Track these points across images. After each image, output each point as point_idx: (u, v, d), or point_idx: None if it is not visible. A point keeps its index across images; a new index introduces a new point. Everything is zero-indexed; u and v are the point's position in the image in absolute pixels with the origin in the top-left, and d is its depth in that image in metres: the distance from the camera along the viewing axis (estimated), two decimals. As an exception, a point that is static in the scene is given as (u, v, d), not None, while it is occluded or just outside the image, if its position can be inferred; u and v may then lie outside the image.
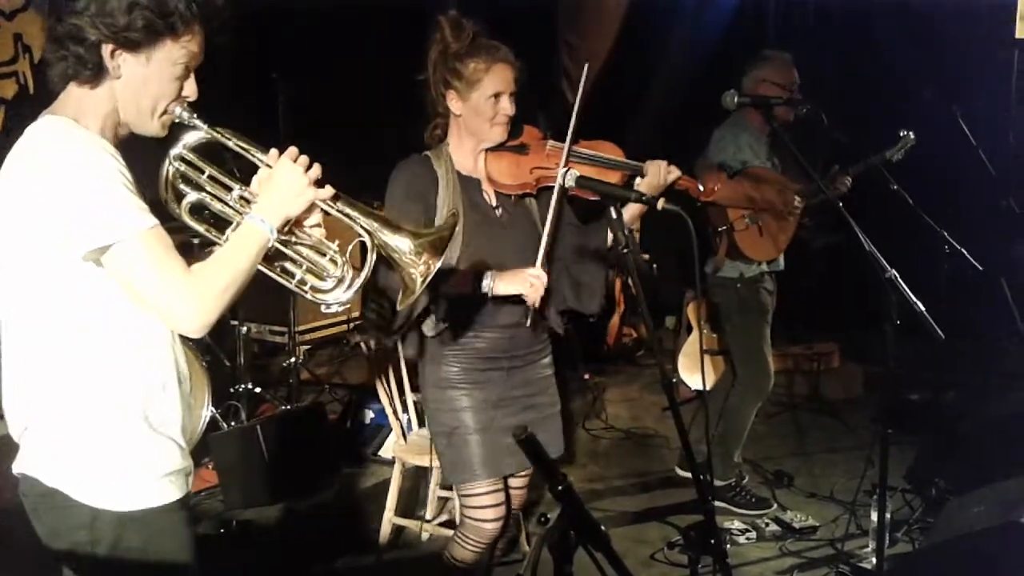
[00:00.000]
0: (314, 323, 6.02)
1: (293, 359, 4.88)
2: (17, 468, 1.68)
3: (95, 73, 1.60)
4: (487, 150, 2.55)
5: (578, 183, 2.34)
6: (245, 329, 4.66)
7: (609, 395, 5.68)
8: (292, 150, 1.71)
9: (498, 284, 2.41)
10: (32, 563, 1.78)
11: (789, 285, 4.08)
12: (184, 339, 1.76)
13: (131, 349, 1.65)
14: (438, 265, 1.74)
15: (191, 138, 1.70)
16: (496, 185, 2.56)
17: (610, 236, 2.60)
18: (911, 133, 3.73)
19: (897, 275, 2.60)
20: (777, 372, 5.89)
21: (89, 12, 1.56)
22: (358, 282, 1.74)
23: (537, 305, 2.43)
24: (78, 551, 1.65)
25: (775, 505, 3.98)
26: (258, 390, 4.60)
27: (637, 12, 6.21)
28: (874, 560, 3.07)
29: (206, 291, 1.58)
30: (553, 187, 2.48)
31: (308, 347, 5.95)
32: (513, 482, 2.71)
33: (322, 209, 1.75)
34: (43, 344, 1.62)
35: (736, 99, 2.92)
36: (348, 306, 1.80)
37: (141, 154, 1.72)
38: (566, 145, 2.52)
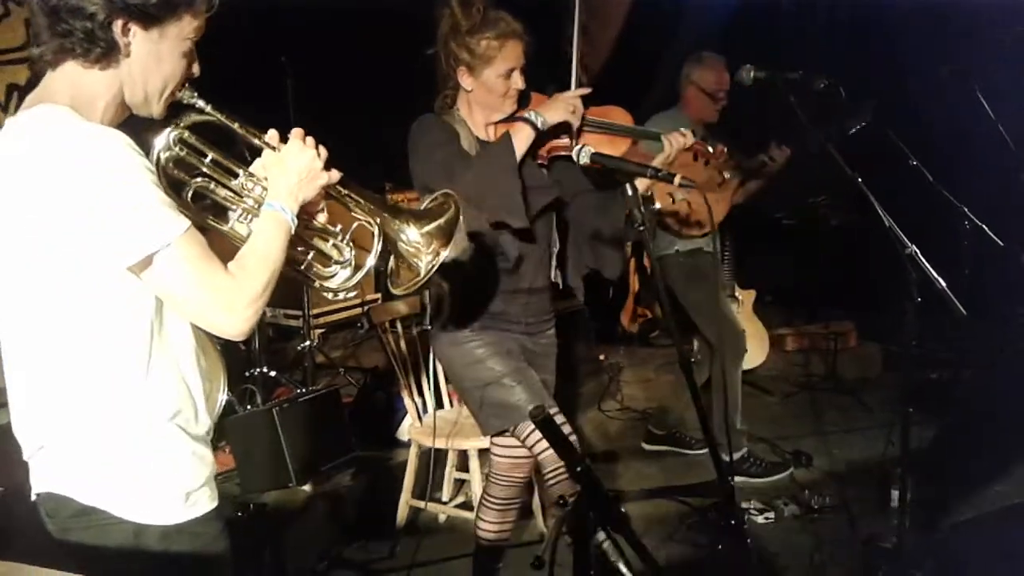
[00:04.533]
0: (329, 307, 6.03)
1: (308, 342, 4.88)
2: (39, 488, 1.57)
3: (106, 51, 1.45)
4: (498, 121, 2.55)
5: (592, 159, 2.33)
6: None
7: (624, 376, 5.66)
8: (299, 131, 1.63)
9: (547, 114, 2.44)
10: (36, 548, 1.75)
11: (805, 263, 4.06)
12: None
13: (153, 354, 1.53)
14: (446, 253, 1.68)
15: (187, 120, 1.57)
16: None
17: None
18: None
19: (918, 251, 2.57)
20: (793, 351, 5.94)
21: None
22: (365, 267, 1.69)
23: (578, 121, 2.48)
24: (122, 567, 1.55)
25: (791, 468, 4.05)
26: (273, 374, 4.61)
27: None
28: (894, 540, 3.05)
29: (249, 293, 1.48)
30: (564, 155, 2.51)
31: (323, 330, 5.96)
32: (520, 451, 2.69)
33: (329, 194, 1.67)
34: (55, 357, 1.49)
35: (752, 74, 2.89)
36: (357, 291, 1.73)
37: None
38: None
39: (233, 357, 4.34)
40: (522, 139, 2.39)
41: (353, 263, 1.69)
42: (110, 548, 1.53)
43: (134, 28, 1.46)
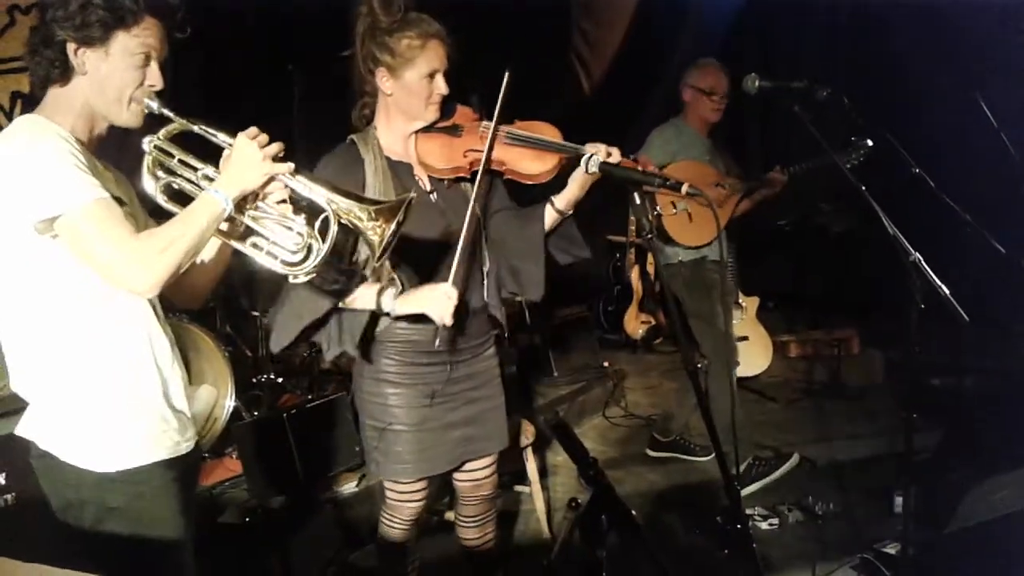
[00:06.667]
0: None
1: (314, 349, 4.89)
2: (18, 431, 1.82)
3: (63, 71, 1.76)
4: (418, 132, 2.41)
5: (601, 169, 2.29)
6: (267, 319, 4.68)
7: (628, 383, 5.68)
8: (251, 129, 1.80)
9: (400, 304, 2.29)
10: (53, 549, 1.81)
11: (808, 270, 4.09)
12: (203, 327, 1.81)
13: (105, 322, 1.78)
14: (391, 228, 1.81)
15: (166, 128, 1.82)
16: (428, 169, 2.41)
17: (581, 226, 2.53)
18: (869, 141, 3.84)
19: (921, 258, 2.59)
20: (797, 358, 5.97)
21: (56, 16, 1.72)
22: (324, 251, 1.80)
23: (448, 323, 2.27)
24: (70, 510, 1.80)
25: (795, 455, 4.15)
26: (280, 380, 4.62)
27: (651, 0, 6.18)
28: (898, 546, 3.06)
29: (150, 250, 1.67)
30: (489, 170, 2.39)
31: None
32: (478, 473, 2.66)
33: (285, 184, 1.82)
34: (27, 317, 1.75)
35: (757, 83, 2.91)
36: (314, 274, 1.88)
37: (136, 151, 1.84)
38: (493, 124, 2.36)
39: (240, 364, 4.35)
40: (374, 305, 2.31)
41: (315, 249, 1.81)
42: (60, 490, 1.79)
43: (85, 50, 1.75)
